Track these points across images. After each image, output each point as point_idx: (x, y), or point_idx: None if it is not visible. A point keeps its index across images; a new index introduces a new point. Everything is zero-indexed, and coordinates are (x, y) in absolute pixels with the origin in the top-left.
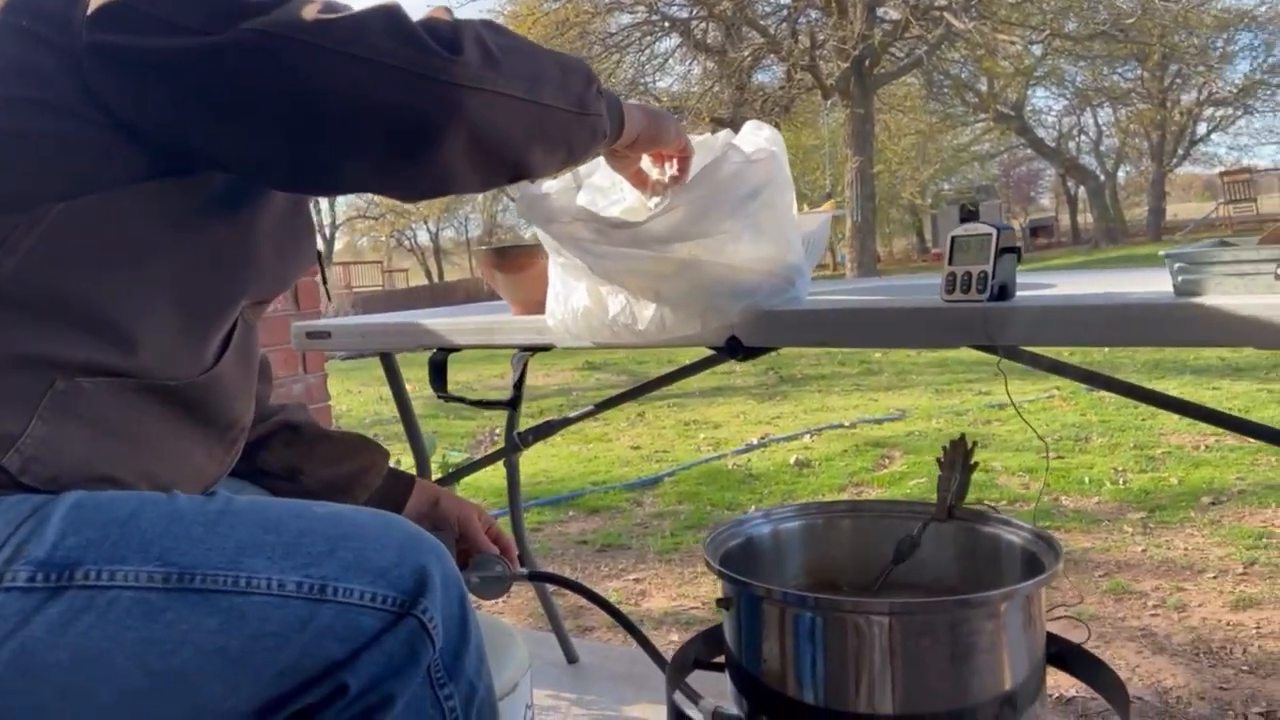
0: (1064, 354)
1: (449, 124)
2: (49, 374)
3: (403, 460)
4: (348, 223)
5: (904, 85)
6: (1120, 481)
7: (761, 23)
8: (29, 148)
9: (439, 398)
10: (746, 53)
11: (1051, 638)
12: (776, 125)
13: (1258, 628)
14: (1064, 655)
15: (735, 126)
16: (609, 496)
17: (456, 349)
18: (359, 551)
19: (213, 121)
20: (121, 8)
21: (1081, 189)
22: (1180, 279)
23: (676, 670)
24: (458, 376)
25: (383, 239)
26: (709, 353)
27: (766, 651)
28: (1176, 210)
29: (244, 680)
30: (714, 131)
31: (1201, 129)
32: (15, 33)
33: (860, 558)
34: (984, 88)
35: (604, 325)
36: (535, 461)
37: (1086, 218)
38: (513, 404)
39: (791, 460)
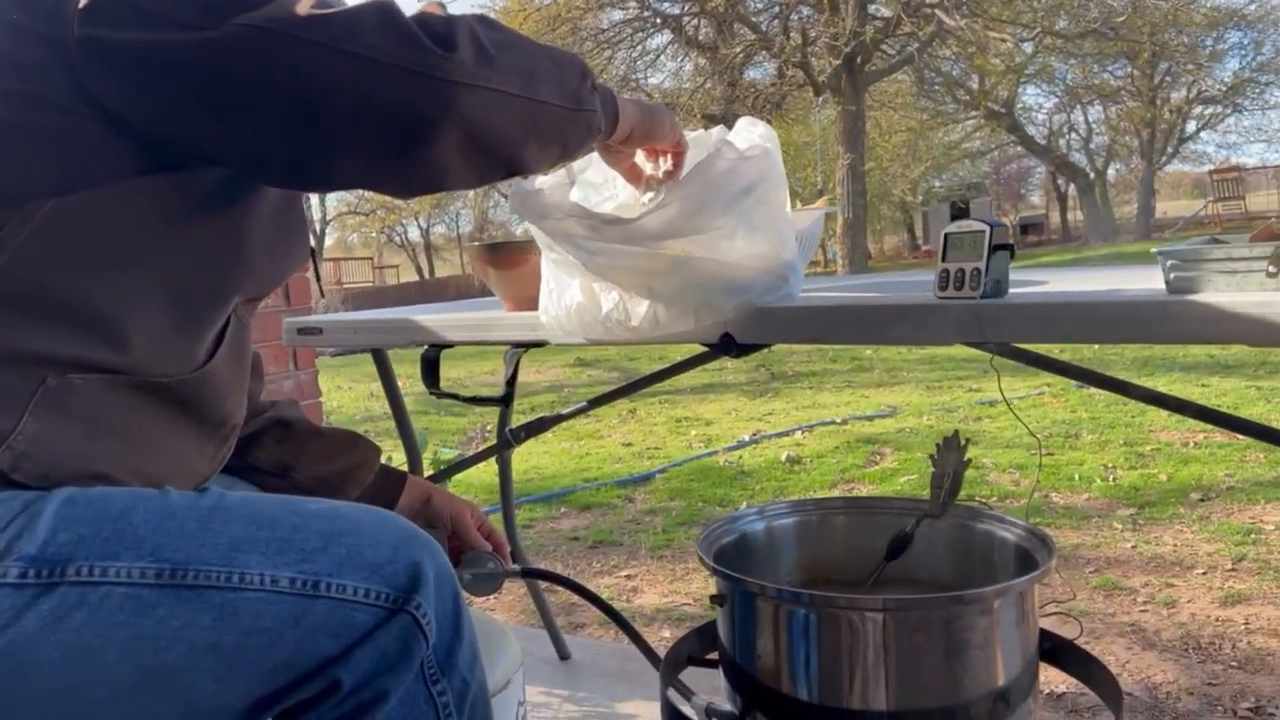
0: (1054, 351)
1: (443, 121)
2: (40, 370)
3: (394, 457)
4: (338, 218)
5: (895, 82)
6: (1110, 478)
7: (753, 19)
8: (21, 142)
9: (431, 394)
10: (738, 49)
11: (1044, 634)
12: (768, 122)
13: (1246, 623)
14: (1057, 651)
15: (727, 123)
16: (601, 493)
17: (449, 345)
18: (352, 547)
19: (204, 117)
20: (114, 1)
21: (1071, 186)
22: (1173, 276)
23: (670, 667)
24: (448, 373)
25: (373, 235)
26: (701, 349)
27: (760, 648)
28: (1166, 208)
29: (237, 676)
30: (706, 128)
31: (1191, 127)
32: (6, 26)
33: (854, 554)
34: (975, 85)
35: (597, 322)
36: (527, 458)
37: (1076, 215)
38: (505, 401)
39: (783, 457)
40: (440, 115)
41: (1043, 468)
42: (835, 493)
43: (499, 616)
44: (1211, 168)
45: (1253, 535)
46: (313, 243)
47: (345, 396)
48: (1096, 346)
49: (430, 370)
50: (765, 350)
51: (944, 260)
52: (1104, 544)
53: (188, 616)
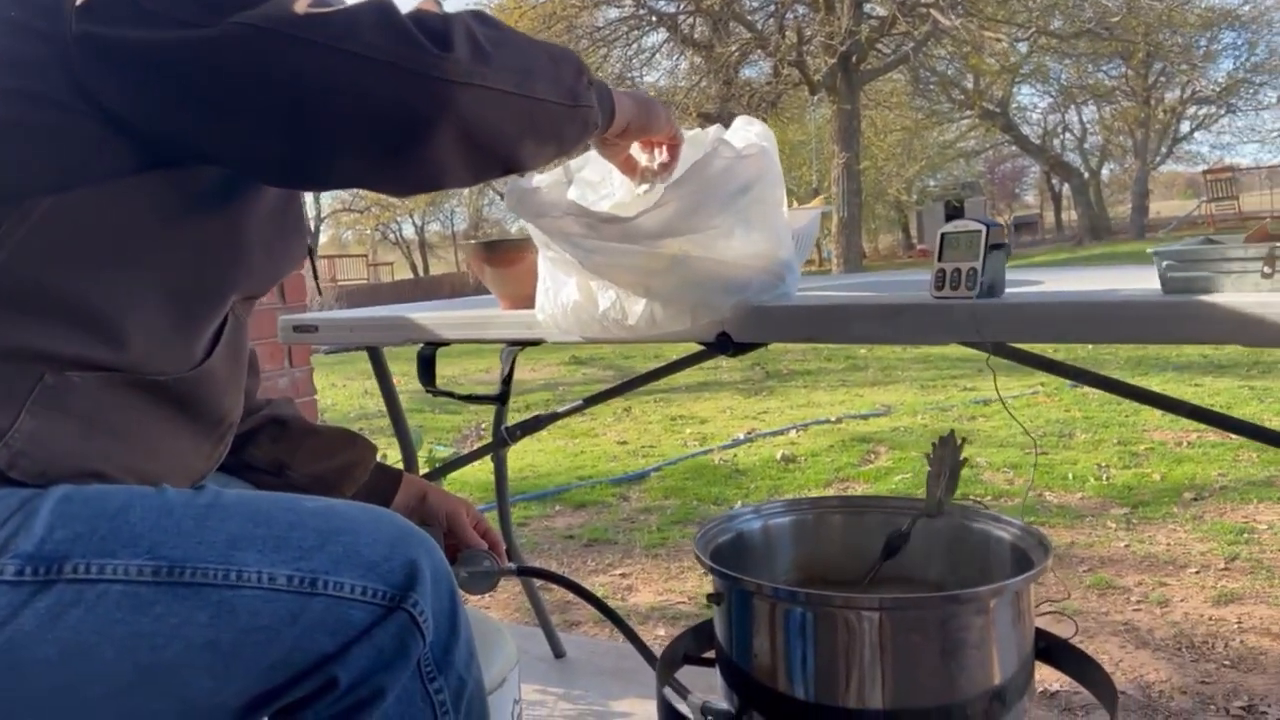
0: (1048, 350)
1: (439, 120)
2: (38, 368)
3: (389, 455)
4: (332, 216)
5: (890, 81)
6: (1104, 477)
7: (749, 18)
8: (19, 140)
9: (428, 392)
10: (734, 48)
11: (1039, 633)
12: (763, 120)
13: (1239, 622)
14: (1052, 650)
15: (723, 121)
16: (595, 491)
17: (445, 343)
18: (349, 545)
19: (201, 116)
20: None
21: (1066, 186)
22: (1169, 276)
23: (666, 665)
24: (443, 370)
25: (368, 232)
26: (697, 348)
27: (757, 647)
28: (1160, 208)
29: (234, 674)
30: (702, 127)
31: (1185, 127)
32: (4, 23)
33: (850, 553)
34: (970, 84)
35: (594, 320)
36: (521, 456)
37: (1070, 215)
38: (501, 399)
39: (778, 455)
40: (437, 114)
41: (1037, 467)
42: (829, 491)
43: (494, 614)
44: (1205, 168)
45: (1245, 535)
46: (308, 240)
47: (340, 394)
48: (1091, 346)
49: (426, 368)
50: (760, 349)
51: (940, 260)
52: (1098, 543)
53: (185, 614)
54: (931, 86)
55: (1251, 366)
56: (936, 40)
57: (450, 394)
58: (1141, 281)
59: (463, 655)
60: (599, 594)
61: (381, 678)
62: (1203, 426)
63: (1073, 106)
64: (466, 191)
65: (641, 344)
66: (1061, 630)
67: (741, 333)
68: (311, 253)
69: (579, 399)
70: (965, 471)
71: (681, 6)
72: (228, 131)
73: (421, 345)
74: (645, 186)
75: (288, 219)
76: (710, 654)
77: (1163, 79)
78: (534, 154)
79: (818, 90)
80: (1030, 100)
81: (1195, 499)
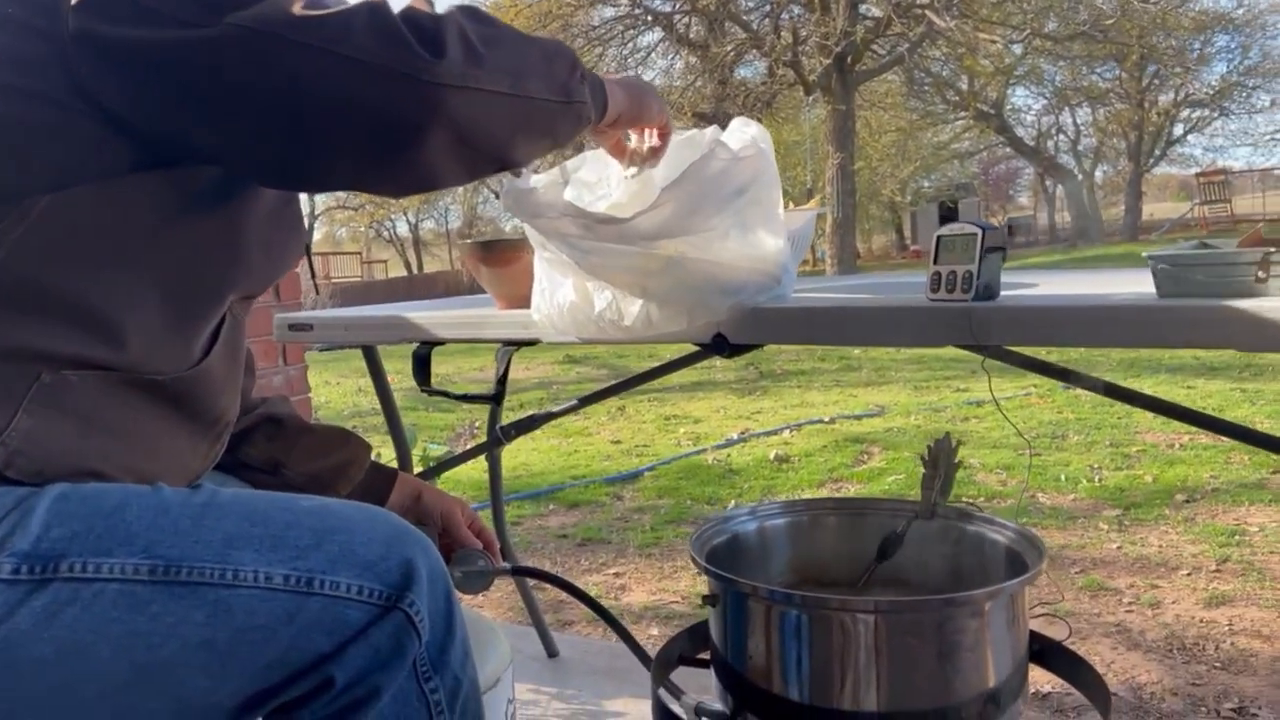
0: (1041, 352)
1: (431, 124)
2: (35, 367)
3: (383, 453)
4: (326, 213)
5: (885, 82)
6: (1096, 479)
7: (744, 18)
8: (18, 137)
9: (423, 391)
10: (729, 48)
11: (1033, 635)
12: (758, 120)
13: (1230, 625)
14: (1045, 652)
15: (717, 121)
16: (589, 490)
17: (440, 343)
18: (346, 545)
19: (196, 116)
20: None
21: (1059, 188)
22: (1163, 280)
23: (661, 666)
24: (438, 369)
25: (362, 230)
26: (692, 348)
27: (752, 648)
28: (1153, 210)
29: (230, 673)
30: (697, 126)
31: (1178, 130)
32: (4, 21)
33: (845, 555)
34: (964, 86)
35: (590, 321)
36: (515, 455)
37: (1064, 216)
38: (496, 399)
39: (771, 455)
40: (428, 119)
41: (1030, 468)
42: (823, 492)
43: (488, 613)
44: (1198, 171)
45: (1237, 537)
46: (306, 240)
47: (334, 392)
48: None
49: (421, 367)
50: (756, 349)
51: (936, 263)
52: (1090, 545)
53: (181, 613)
54: (926, 88)
55: (1244, 369)
56: (931, 41)
57: (445, 393)
58: (1135, 285)
59: (458, 655)
60: (592, 593)
61: (377, 677)
62: (1195, 429)
63: (1067, 109)
64: (461, 190)
65: (637, 344)
66: (1055, 632)
67: (737, 334)
68: (308, 251)
69: (573, 398)
70: (959, 473)
71: (677, 6)
72: (222, 132)
73: (417, 344)
74: (633, 170)
75: (286, 218)
76: (705, 655)
77: (1156, 82)
78: (528, 151)
79: (813, 91)
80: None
81: (1187, 501)
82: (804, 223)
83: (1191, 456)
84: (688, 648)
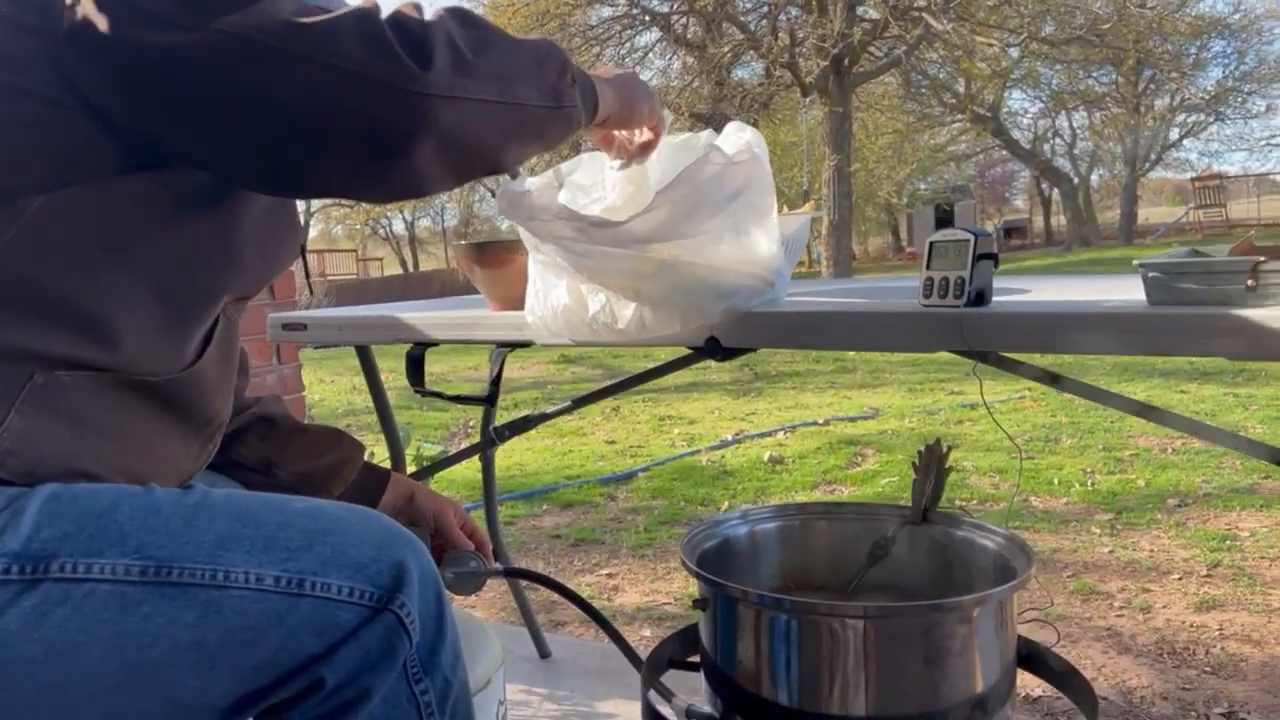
0: (1034, 357)
1: (419, 133)
2: (28, 367)
3: (376, 452)
4: (322, 210)
5: (882, 84)
6: (1089, 483)
7: (742, 19)
8: (12, 136)
9: (416, 392)
10: (726, 49)
11: (1022, 640)
12: (755, 122)
13: (1220, 629)
14: (1033, 658)
15: (714, 122)
16: (583, 491)
17: (434, 344)
18: (337, 546)
19: (181, 120)
20: None
21: (1055, 191)
22: (1154, 288)
23: (651, 669)
24: (432, 368)
25: (357, 227)
26: (686, 350)
27: (741, 652)
28: (1148, 214)
29: (220, 674)
30: (693, 127)
31: (1174, 134)
32: None
33: (835, 559)
34: (961, 89)
35: (584, 323)
36: (509, 455)
37: (1059, 220)
38: (490, 400)
39: (765, 457)
40: (416, 128)
41: (1023, 472)
42: (816, 493)
43: (479, 614)
44: (1194, 175)
45: (1228, 541)
46: (301, 239)
47: (328, 389)
48: None
49: (415, 368)
50: (748, 352)
51: (929, 268)
52: (1082, 548)
53: (172, 614)
54: (923, 90)
55: (1237, 374)
56: (928, 44)
57: (439, 394)
58: (1127, 292)
59: (449, 657)
60: (585, 594)
61: (367, 679)
62: (1187, 433)
63: (1063, 112)
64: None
65: (630, 346)
66: (1044, 636)
67: (730, 338)
68: (303, 251)
69: (568, 398)
70: (952, 476)
71: (675, 6)
72: (206, 137)
73: (411, 345)
74: (620, 162)
75: (281, 219)
76: (695, 658)
77: (1153, 86)
78: (517, 156)
79: (810, 92)
80: (1021, 105)
81: (1179, 505)
82: (798, 226)
83: (1184, 461)
84: (678, 651)
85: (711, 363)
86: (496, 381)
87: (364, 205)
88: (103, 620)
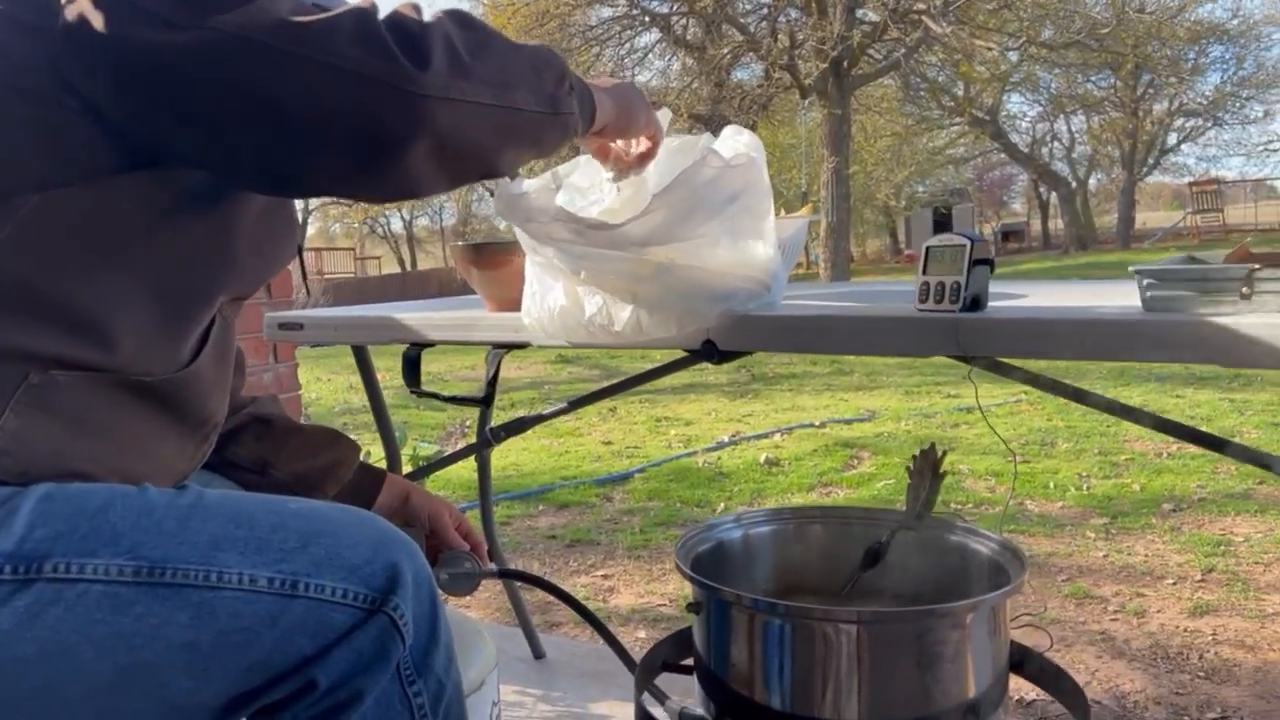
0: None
1: (415, 135)
2: (24, 367)
3: (372, 452)
4: (320, 208)
5: (881, 87)
6: (1084, 487)
7: (741, 20)
8: (8, 135)
9: (413, 393)
10: (726, 50)
11: (1014, 645)
12: (754, 123)
13: (1214, 634)
14: (1026, 663)
15: (713, 123)
16: (579, 492)
17: (431, 344)
18: (331, 548)
19: (179, 119)
20: None
21: (1053, 195)
22: (1149, 295)
23: (645, 672)
24: (429, 367)
25: (355, 226)
26: (683, 352)
27: (735, 656)
28: (1146, 218)
29: (213, 675)
30: (692, 128)
31: (1172, 139)
32: None
33: (829, 563)
34: (960, 92)
35: (580, 325)
36: (505, 455)
37: (1057, 223)
38: (486, 401)
39: (761, 459)
40: (412, 130)
41: (1018, 476)
42: (813, 496)
43: (474, 614)
44: (1191, 180)
45: (1222, 547)
46: (299, 239)
47: (324, 388)
48: None
49: (411, 369)
50: (745, 355)
51: (924, 273)
52: (1076, 553)
53: (165, 615)
54: (922, 93)
55: (1232, 379)
56: (928, 47)
57: (435, 395)
58: (1123, 298)
59: (442, 659)
60: (580, 595)
61: (360, 681)
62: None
63: (1061, 116)
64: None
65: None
66: (1038, 641)
67: (727, 341)
68: (300, 251)
69: (564, 398)
70: (948, 479)
71: (674, 7)
72: (203, 135)
73: (407, 346)
74: (613, 174)
75: (278, 218)
76: (689, 661)
77: (1151, 91)
78: (512, 161)
79: (809, 94)
80: (1019, 109)
81: (1174, 510)
82: (795, 230)
83: (1179, 466)
84: (672, 653)
85: (709, 365)
86: (493, 383)
87: (362, 204)
88: (96, 621)
